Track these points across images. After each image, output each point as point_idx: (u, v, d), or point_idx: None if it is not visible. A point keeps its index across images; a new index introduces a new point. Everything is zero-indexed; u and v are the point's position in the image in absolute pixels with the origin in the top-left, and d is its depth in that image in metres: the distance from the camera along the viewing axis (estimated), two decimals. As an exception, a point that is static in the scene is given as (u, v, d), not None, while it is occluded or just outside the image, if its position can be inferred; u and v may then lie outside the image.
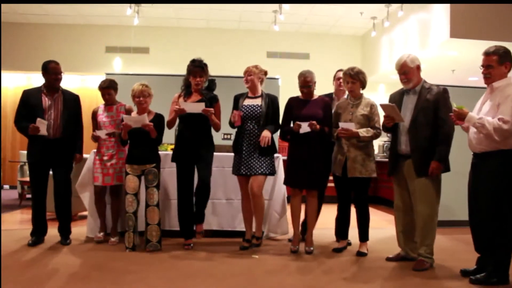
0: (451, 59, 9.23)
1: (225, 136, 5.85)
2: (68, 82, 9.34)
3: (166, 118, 4.55)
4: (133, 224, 4.39)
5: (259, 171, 4.41)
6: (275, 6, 9.43)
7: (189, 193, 4.43)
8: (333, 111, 4.55)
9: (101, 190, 4.79)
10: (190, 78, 4.48)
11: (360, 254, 4.32)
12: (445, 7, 7.89)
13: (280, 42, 11.35)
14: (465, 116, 3.44)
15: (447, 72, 10.04)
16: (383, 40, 10.57)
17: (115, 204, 4.77)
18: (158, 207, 4.43)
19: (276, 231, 5.05)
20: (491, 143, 3.40)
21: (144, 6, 9.68)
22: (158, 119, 4.49)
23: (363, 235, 4.42)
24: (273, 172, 4.53)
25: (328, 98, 4.70)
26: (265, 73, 4.65)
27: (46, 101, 4.56)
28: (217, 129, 4.51)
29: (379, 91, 11.70)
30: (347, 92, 4.93)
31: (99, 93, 4.86)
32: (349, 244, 4.68)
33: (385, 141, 9.07)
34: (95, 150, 4.88)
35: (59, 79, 4.58)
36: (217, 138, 4.93)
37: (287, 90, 5.42)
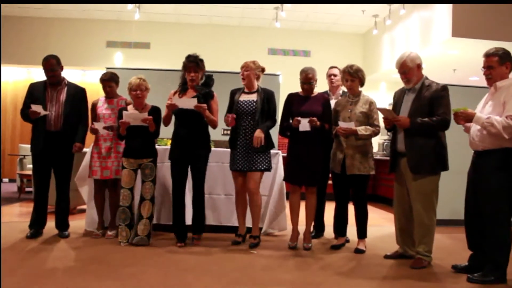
0: (453, 58, 9.22)
1: (225, 132, 5.83)
2: (69, 76, 9.31)
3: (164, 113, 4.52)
4: (127, 218, 4.41)
5: (254, 167, 4.40)
6: (277, 3, 9.43)
7: (182, 193, 4.43)
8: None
9: (101, 183, 4.79)
10: (185, 74, 4.44)
11: (358, 251, 4.33)
12: (447, 6, 7.88)
13: (282, 39, 11.35)
14: (472, 117, 3.46)
15: (448, 71, 10.03)
16: (384, 38, 10.55)
17: (113, 197, 4.76)
18: (153, 202, 4.45)
19: (274, 227, 5.06)
20: (495, 141, 3.42)
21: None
22: (154, 112, 4.50)
23: (361, 233, 4.43)
24: (269, 168, 4.50)
25: (327, 95, 4.71)
26: (263, 69, 4.60)
27: (48, 93, 4.59)
28: (214, 126, 4.42)
29: (381, 89, 11.70)
30: (342, 88, 4.98)
31: (99, 87, 4.85)
32: (348, 241, 4.68)
33: (384, 140, 9.07)
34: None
35: (55, 75, 4.59)
36: (217, 133, 4.92)
37: (288, 87, 5.42)
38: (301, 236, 4.51)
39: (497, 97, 3.49)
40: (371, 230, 4.52)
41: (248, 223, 4.59)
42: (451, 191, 4.91)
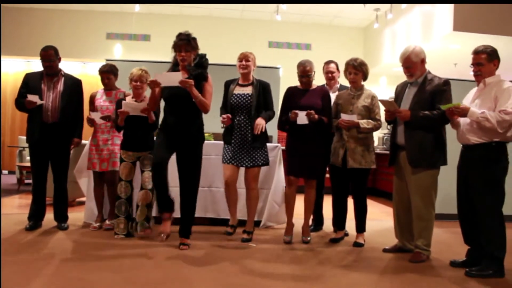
0: (454, 52, 9.20)
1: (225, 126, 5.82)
2: (69, 68, 9.32)
3: None
4: (126, 211, 4.38)
5: (252, 163, 4.35)
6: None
7: (165, 178, 3.92)
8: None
9: (100, 176, 4.79)
10: (176, 54, 4.03)
11: (357, 244, 4.33)
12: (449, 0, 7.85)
13: (282, 32, 11.31)
14: (467, 111, 3.49)
15: (449, 65, 10.01)
16: (385, 32, 10.52)
17: (111, 189, 4.75)
18: (152, 192, 4.32)
19: (273, 220, 5.06)
20: (485, 135, 3.47)
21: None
22: None
23: (360, 226, 4.42)
24: (266, 162, 4.45)
25: (326, 88, 4.68)
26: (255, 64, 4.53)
27: (45, 84, 4.57)
28: (205, 109, 3.93)
29: (381, 83, 11.68)
30: (338, 83, 4.96)
31: (99, 80, 4.83)
32: (346, 235, 4.68)
33: (385, 133, 9.07)
34: (92, 136, 4.87)
35: (52, 66, 4.56)
36: (217, 126, 4.81)
37: (288, 80, 5.40)
38: (299, 230, 4.49)
39: (486, 92, 3.56)
40: (370, 224, 4.52)
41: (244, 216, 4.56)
42: (450, 185, 4.91)
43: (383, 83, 11.65)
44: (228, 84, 4.54)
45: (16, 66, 11.24)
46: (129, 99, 4.54)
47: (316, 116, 4.17)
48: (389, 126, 4.30)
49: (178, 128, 3.93)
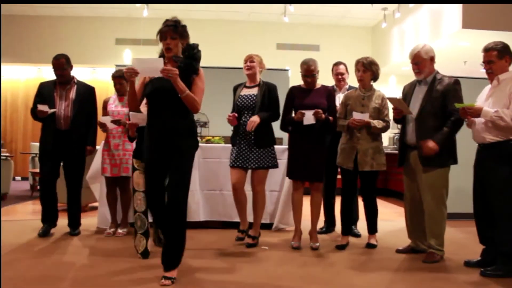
0: (463, 50, 9.14)
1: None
2: (79, 74, 9.36)
3: None
4: (143, 226, 3.84)
5: (257, 165, 4.28)
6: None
7: (161, 202, 3.27)
8: (338, 102, 4.51)
9: (112, 181, 4.81)
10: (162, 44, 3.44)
11: (370, 246, 4.31)
12: (457, -3, 7.80)
13: (290, 33, 11.31)
14: (480, 112, 3.45)
15: (459, 63, 9.95)
16: (394, 31, 10.48)
17: (124, 195, 4.77)
18: None
19: (285, 222, 5.05)
20: (501, 133, 3.43)
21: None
22: None
23: (372, 227, 4.38)
24: (274, 165, 4.37)
25: (331, 87, 4.65)
26: (264, 66, 4.52)
27: (58, 92, 4.61)
28: (194, 108, 3.23)
29: (390, 83, 11.63)
30: (347, 84, 4.94)
31: (109, 85, 4.88)
32: (359, 236, 4.65)
33: (395, 133, 9.02)
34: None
35: (64, 75, 4.60)
36: (228, 130, 4.76)
37: (297, 82, 5.37)
38: (307, 236, 4.36)
39: (500, 89, 3.52)
40: (382, 224, 4.49)
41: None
42: (462, 184, 4.87)
43: (392, 83, 11.61)
44: (235, 88, 4.55)
45: (27, 73, 11.36)
46: (142, 106, 4.38)
47: (323, 115, 4.11)
48: (399, 126, 4.25)
49: (165, 130, 3.21)
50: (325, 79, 4.48)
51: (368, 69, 4.29)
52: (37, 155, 8.14)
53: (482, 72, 3.65)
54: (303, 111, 4.10)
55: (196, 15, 10.85)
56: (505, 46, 3.55)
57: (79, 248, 4.14)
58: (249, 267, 3.60)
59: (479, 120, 3.57)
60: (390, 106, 4.12)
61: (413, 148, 3.94)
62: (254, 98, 4.34)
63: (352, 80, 4.71)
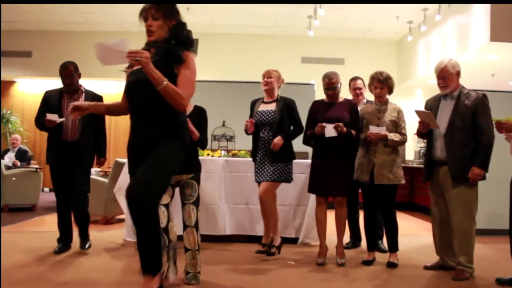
0: (491, 63, 9.01)
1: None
2: (104, 87, 9.51)
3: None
4: (164, 246, 3.17)
5: (267, 178, 4.31)
6: (310, 11, 9.42)
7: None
8: None
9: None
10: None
11: (390, 265, 4.13)
12: (485, 10, 7.72)
13: (315, 47, 11.33)
14: None
15: (486, 76, 9.81)
16: (419, 44, 10.41)
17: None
18: (197, 228, 3.43)
19: (311, 237, 5.01)
20: None
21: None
22: (198, 113, 3.78)
23: (392, 245, 4.22)
24: (288, 179, 4.38)
25: (354, 101, 4.63)
26: (283, 80, 4.55)
27: (65, 101, 4.38)
28: (177, 103, 2.65)
29: (416, 96, 11.54)
30: (365, 99, 4.93)
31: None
32: (385, 251, 4.54)
33: (421, 147, 8.91)
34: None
35: (72, 83, 4.39)
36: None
37: (322, 95, 5.38)
38: (333, 252, 4.30)
39: None
40: (409, 240, 4.42)
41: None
42: (493, 200, 4.78)
43: (419, 96, 11.51)
44: (253, 103, 4.59)
45: (48, 86, 11.62)
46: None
47: (344, 129, 4.08)
48: (425, 140, 4.19)
49: (145, 127, 2.72)
50: (348, 92, 4.46)
51: (385, 85, 4.25)
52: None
53: (511, 86, 3.58)
54: (323, 124, 4.08)
55: (221, 29, 10.97)
56: None
57: (104, 262, 4.18)
58: (273, 282, 3.58)
59: None
60: (409, 119, 4.04)
61: (442, 163, 3.88)
62: (272, 114, 4.38)
63: (369, 94, 4.68)
